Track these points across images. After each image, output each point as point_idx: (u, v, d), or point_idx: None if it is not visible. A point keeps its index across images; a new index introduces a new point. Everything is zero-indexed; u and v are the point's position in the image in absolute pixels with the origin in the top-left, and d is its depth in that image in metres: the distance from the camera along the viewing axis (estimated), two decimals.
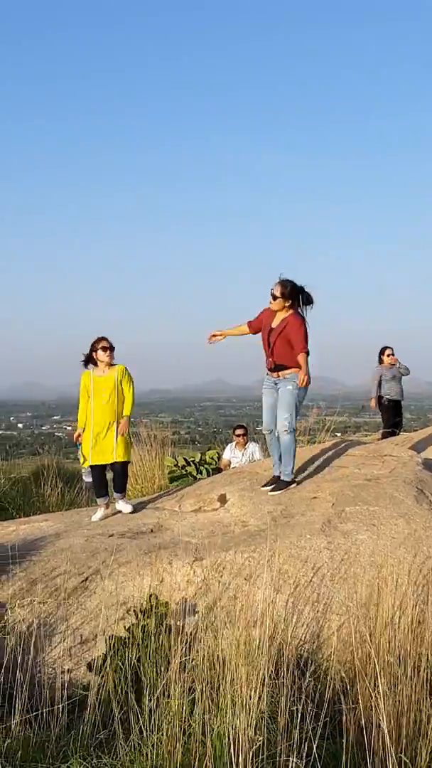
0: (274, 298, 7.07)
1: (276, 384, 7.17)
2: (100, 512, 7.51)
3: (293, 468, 7.23)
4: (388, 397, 12.81)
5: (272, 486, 7.21)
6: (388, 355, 12.96)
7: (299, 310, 7.14)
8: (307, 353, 7.02)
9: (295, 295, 7.08)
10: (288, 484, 7.18)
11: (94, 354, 7.60)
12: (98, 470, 7.62)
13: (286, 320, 7.05)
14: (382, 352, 13.07)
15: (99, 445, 7.46)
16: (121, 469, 7.57)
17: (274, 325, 7.10)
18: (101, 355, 7.54)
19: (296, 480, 7.27)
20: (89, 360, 7.64)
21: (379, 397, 12.90)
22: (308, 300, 7.13)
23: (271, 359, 7.13)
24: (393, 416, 12.82)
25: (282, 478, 7.23)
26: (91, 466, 7.68)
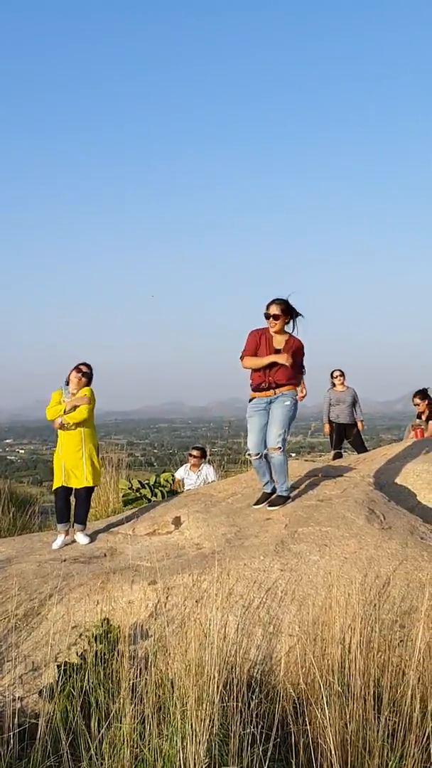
0: (276, 318, 7.02)
1: (270, 403, 7.09)
2: (60, 539, 7.31)
3: (288, 483, 7.21)
4: (334, 420, 12.99)
5: (269, 501, 7.18)
6: (337, 377, 13.11)
7: (290, 326, 7.19)
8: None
9: (290, 311, 7.11)
10: (285, 498, 7.15)
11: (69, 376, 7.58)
12: (63, 494, 7.51)
13: (292, 342, 7.09)
14: (332, 375, 13.21)
15: (69, 468, 7.39)
16: (85, 496, 7.46)
17: (278, 345, 7.05)
18: (73, 377, 7.50)
19: (290, 495, 7.28)
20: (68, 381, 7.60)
21: (330, 421, 13.07)
22: (298, 313, 7.16)
23: (270, 379, 7.06)
24: (339, 439, 12.97)
25: (279, 493, 7.19)
26: (56, 490, 7.55)
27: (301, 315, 7.16)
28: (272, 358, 6.97)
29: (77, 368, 7.54)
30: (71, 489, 7.45)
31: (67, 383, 7.57)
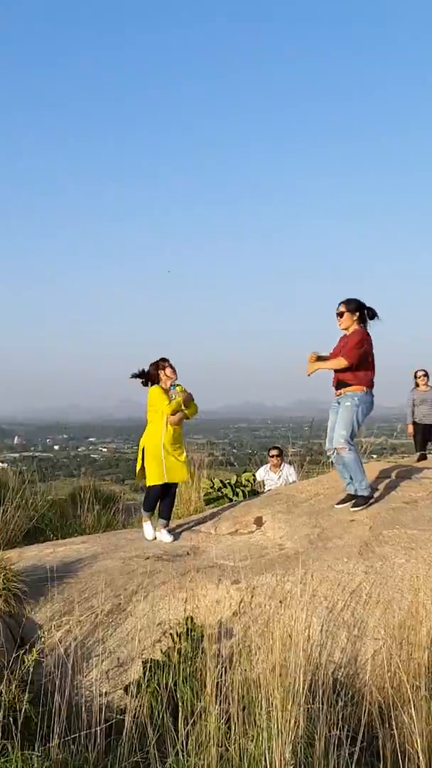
0: (340, 315, 7.08)
1: (338, 403, 7.10)
2: (149, 526, 7.49)
3: (365, 482, 7.14)
4: (419, 421, 12.71)
5: (352, 502, 7.13)
6: (421, 377, 12.83)
7: (364, 325, 7.13)
8: (355, 365, 6.97)
9: (359, 309, 7.07)
10: (367, 499, 7.10)
11: (161, 372, 7.62)
12: (160, 489, 7.58)
13: (347, 335, 7.08)
14: (415, 375, 12.95)
15: (169, 464, 7.46)
16: (175, 492, 7.52)
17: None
18: (169, 373, 7.56)
19: (373, 495, 7.20)
20: (151, 379, 7.66)
21: (414, 422, 12.80)
22: (373, 314, 7.10)
23: (336, 376, 7.08)
24: (423, 440, 12.68)
25: (359, 493, 7.13)
26: (154, 485, 7.59)
27: (370, 309, 7.08)
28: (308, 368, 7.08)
29: (167, 365, 7.56)
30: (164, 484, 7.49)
31: (149, 381, 7.58)
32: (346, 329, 7.11)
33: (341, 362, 6.91)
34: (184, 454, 7.46)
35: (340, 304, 7.12)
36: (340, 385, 7.03)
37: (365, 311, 7.09)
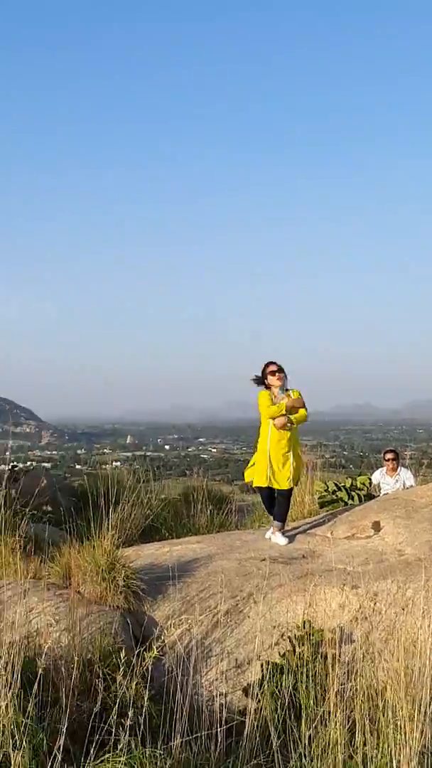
0: None
1: None
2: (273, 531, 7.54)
3: None
4: None
5: None
6: None
7: None
8: None
9: None
10: None
11: (265, 379, 7.63)
12: (268, 492, 7.57)
13: None
14: None
15: (274, 468, 7.47)
16: (286, 496, 7.51)
17: None
18: (277, 379, 7.55)
19: None
20: (264, 383, 7.65)
21: None
22: None
23: None
24: None
25: None
26: (260, 487, 7.63)
27: None
28: None
29: (276, 369, 7.53)
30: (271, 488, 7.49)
31: (263, 384, 7.58)
32: None
33: None
34: (290, 461, 7.40)
35: None
36: None
37: None
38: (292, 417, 7.35)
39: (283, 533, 7.40)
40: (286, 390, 7.52)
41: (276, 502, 7.52)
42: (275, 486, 7.41)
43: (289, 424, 7.34)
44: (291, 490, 7.56)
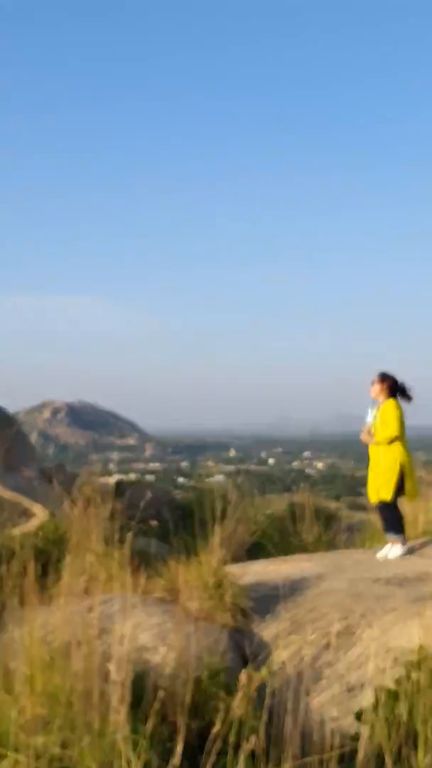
0: None
1: None
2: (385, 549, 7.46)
3: None
4: None
5: None
6: None
7: None
8: None
9: None
10: None
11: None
12: (378, 506, 7.50)
13: None
14: None
15: (371, 481, 7.35)
16: (387, 509, 7.40)
17: None
18: (373, 389, 7.46)
19: None
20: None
21: None
22: None
23: None
24: None
25: None
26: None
27: None
28: None
29: (376, 379, 7.44)
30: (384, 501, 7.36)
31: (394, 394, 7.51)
32: None
33: None
34: (389, 473, 7.25)
35: None
36: None
37: None
38: (376, 437, 7.30)
39: (397, 546, 7.22)
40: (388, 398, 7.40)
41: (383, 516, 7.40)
42: (374, 498, 7.34)
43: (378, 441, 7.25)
44: (389, 503, 7.38)
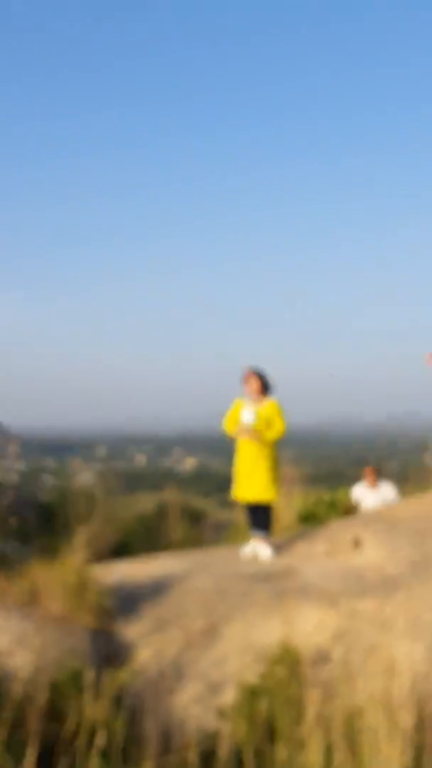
0: None
1: None
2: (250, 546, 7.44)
3: None
4: None
5: None
6: None
7: None
8: None
9: None
10: None
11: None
12: (245, 505, 7.53)
13: None
14: None
15: (242, 480, 7.38)
16: (261, 508, 7.41)
17: None
18: (249, 385, 7.48)
19: None
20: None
21: None
22: None
23: None
24: None
25: None
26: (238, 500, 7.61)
27: None
28: None
29: (249, 375, 7.45)
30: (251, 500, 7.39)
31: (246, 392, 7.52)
32: None
33: None
34: (272, 473, 7.36)
35: None
36: None
37: None
38: (263, 437, 7.30)
39: (265, 545, 7.29)
40: (260, 401, 7.42)
41: (254, 513, 7.43)
42: (246, 497, 7.36)
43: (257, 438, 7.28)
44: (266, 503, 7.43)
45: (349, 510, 9.78)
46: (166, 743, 4.27)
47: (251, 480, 7.27)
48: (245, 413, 7.31)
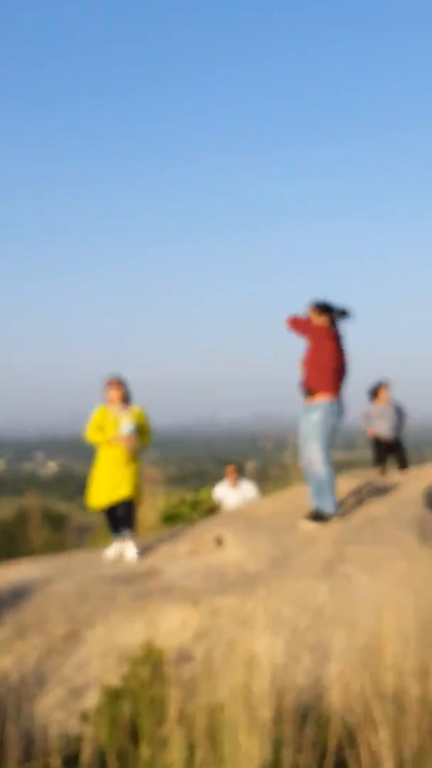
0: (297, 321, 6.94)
1: (305, 412, 6.92)
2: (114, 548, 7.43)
3: (332, 500, 6.94)
4: (377, 435, 12.57)
5: (315, 519, 6.96)
6: (383, 390, 12.61)
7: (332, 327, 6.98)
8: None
9: (328, 311, 6.90)
10: (331, 516, 6.92)
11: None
12: (119, 505, 7.51)
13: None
14: (378, 386, 12.67)
15: (111, 481, 7.37)
16: (128, 505, 7.43)
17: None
18: (113, 394, 7.47)
19: (336, 513, 7.02)
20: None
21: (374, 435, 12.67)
22: (343, 313, 6.95)
23: (305, 382, 6.93)
24: (381, 456, 12.56)
25: (324, 510, 6.94)
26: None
27: (341, 309, 6.94)
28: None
29: (115, 384, 7.47)
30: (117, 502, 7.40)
31: (109, 400, 7.53)
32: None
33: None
34: (131, 469, 7.43)
35: (308, 306, 6.96)
36: (308, 392, 6.84)
37: (335, 312, 6.92)
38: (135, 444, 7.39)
39: (131, 544, 7.32)
40: (126, 409, 7.48)
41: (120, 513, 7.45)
42: (114, 497, 7.35)
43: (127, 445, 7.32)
44: (131, 502, 7.45)
45: (212, 509, 9.94)
46: (29, 749, 4.22)
47: (114, 480, 7.28)
48: (124, 424, 7.30)
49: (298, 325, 6.86)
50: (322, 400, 6.78)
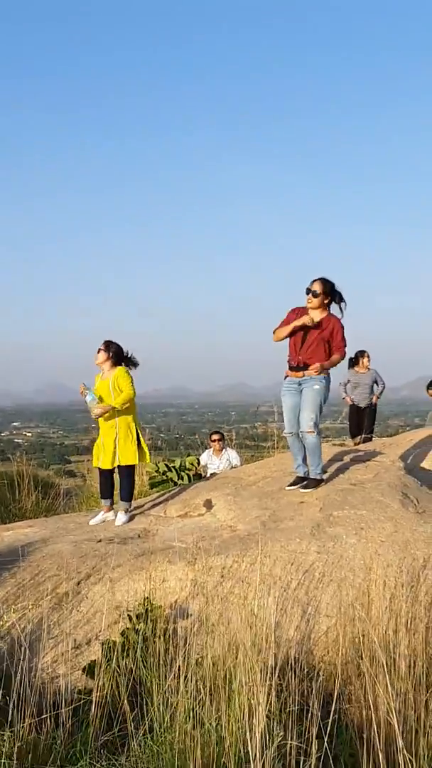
0: (315, 295, 7.00)
1: (300, 384, 7.09)
2: (100, 515, 7.56)
3: (321, 465, 7.26)
4: (355, 403, 12.86)
5: (303, 483, 7.23)
6: (362, 358, 12.85)
7: (333, 309, 7.15)
8: (344, 356, 7.11)
9: (333, 293, 7.07)
10: (319, 482, 7.21)
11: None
12: (104, 473, 7.66)
13: (329, 321, 7.04)
14: (356, 355, 12.90)
15: (102, 447, 7.52)
16: (125, 473, 7.55)
17: (311, 324, 7.01)
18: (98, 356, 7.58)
19: (323, 478, 7.32)
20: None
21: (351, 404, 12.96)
22: (342, 299, 7.13)
23: (300, 357, 7.05)
24: (358, 424, 12.85)
25: (312, 476, 7.23)
26: (99, 469, 7.71)
27: (344, 302, 7.12)
28: (298, 321, 6.99)
29: (100, 348, 7.53)
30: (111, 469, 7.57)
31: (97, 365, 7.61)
32: (315, 308, 7.10)
33: (337, 358, 7.08)
34: (129, 438, 7.53)
35: (316, 281, 7.05)
36: (304, 366, 7.00)
37: (337, 296, 7.10)
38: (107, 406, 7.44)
39: (125, 512, 7.47)
40: (115, 366, 7.53)
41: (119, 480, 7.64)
42: (106, 465, 7.52)
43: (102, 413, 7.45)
44: (125, 467, 7.58)
45: (198, 476, 10.16)
46: (36, 703, 4.38)
47: (108, 447, 7.41)
48: (88, 397, 7.41)
49: (343, 341, 7.05)
50: (324, 373, 7.01)
